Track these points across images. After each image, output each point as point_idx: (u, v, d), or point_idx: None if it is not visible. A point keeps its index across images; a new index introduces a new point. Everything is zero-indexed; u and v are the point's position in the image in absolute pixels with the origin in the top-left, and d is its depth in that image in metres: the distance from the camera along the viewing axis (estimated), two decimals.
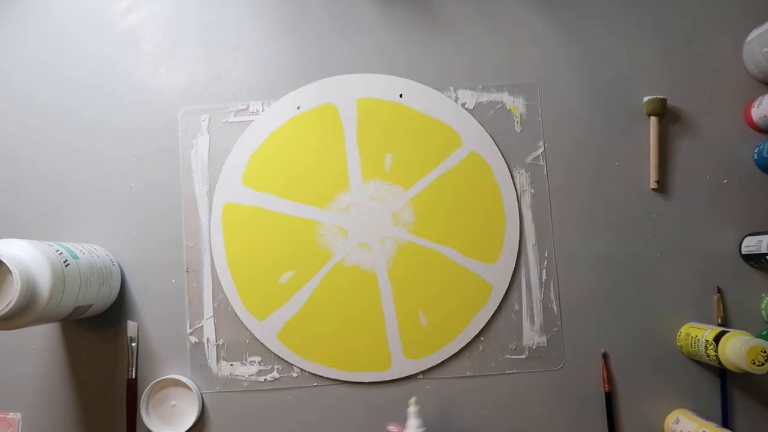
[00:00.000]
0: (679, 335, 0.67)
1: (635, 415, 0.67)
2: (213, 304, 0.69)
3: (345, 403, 0.68)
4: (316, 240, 0.69)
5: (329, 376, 0.68)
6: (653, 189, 0.69)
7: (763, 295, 0.68)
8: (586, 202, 0.70)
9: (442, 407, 0.68)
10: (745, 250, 0.67)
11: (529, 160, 0.70)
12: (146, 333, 0.69)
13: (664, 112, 0.70)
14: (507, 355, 0.68)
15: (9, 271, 0.54)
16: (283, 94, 0.72)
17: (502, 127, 0.71)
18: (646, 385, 0.68)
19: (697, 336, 0.63)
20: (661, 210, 0.69)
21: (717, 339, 0.60)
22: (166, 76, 0.73)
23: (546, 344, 0.68)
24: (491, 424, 0.68)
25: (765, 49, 0.66)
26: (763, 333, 0.66)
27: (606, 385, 0.67)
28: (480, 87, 0.71)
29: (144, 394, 0.67)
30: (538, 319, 0.69)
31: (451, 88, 0.71)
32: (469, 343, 0.68)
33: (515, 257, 0.69)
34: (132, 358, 0.68)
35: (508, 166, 0.70)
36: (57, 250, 0.59)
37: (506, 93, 0.71)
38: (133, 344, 0.68)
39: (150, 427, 0.66)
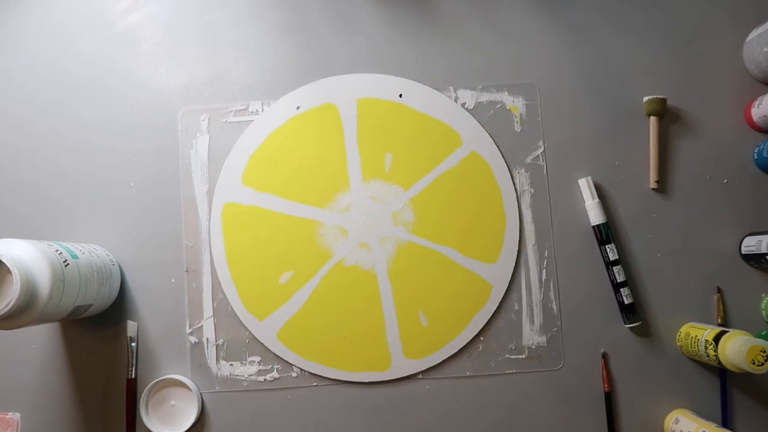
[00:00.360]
0: (679, 335, 0.67)
1: (635, 415, 0.67)
2: (213, 303, 0.69)
3: (345, 403, 0.68)
4: (316, 240, 0.69)
5: (329, 376, 0.68)
6: (653, 189, 0.69)
7: (763, 295, 0.68)
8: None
9: (442, 407, 0.68)
10: (745, 250, 0.67)
11: (529, 160, 0.70)
12: (146, 333, 0.69)
13: (664, 112, 0.70)
14: (507, 355, 0.68)
15: (9, 271, 0.54)
16: (282, 94, 0.72)
17: (502, 127, 0.71)
18: (646, 385, 0.68)
19: (696, 336, 0.63)
20: (661, 210, 0.69)
21: (717, 339, 0.60)
22: (166, 76, 0.73)
23: (546, 344, 0.68)
24: (491, 423, 0.68)
25: (765, 49, 0.66)
26: (763, 333, 0.66)
27: (606, 385, 0.67)
28: (480, 87, 0.71)
29: (143, 394, 0.67)
30: (537, 319, 0.69)
31: (451, 88, 0.71)
32: (468, 343, 0.68)
33: (515, 257, 0.69)
34: (132, 358, 0.68)
35: (507, 166, 0.70)
36: (57, 250, 0.59)
37: (506, 93, 0.71)
38: (133, 344, 0.68)
39: (150, 427, 0.66)
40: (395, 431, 0.68)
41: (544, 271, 0.69)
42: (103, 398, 0.68)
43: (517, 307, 0.69)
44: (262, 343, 0.69)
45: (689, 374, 0.67)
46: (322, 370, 0.68)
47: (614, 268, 0.67)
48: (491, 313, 0.68)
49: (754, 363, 0.56)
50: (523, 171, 0.70)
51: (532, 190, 0.70)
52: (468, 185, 0.70)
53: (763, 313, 0.67)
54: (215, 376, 0.69)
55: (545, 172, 0.70)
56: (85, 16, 0.73)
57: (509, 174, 0.70)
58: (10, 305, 0.53)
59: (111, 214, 0.71)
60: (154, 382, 0.67)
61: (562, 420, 0.67)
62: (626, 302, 0.67)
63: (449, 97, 0.71)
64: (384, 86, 0.71)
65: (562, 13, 0.72)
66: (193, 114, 0.72)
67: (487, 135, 0.70)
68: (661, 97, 0.69)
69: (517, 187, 0.70)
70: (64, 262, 0.59)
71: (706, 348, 0.61)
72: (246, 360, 0.69)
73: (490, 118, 0.71)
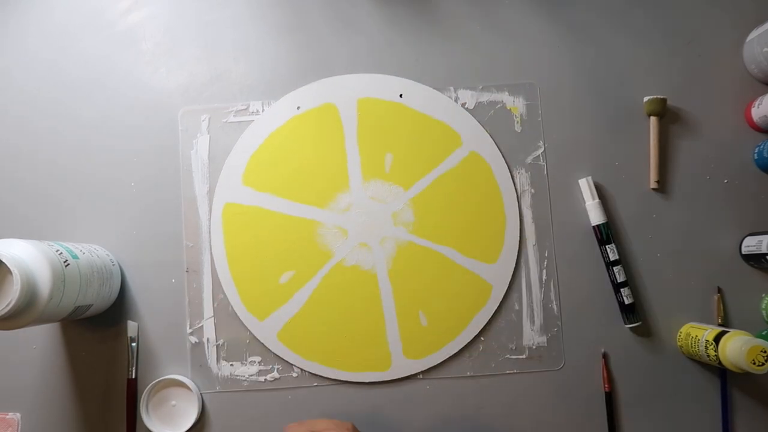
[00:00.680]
0: (679, 335, 0.67)
1: (635, 415, 0.67)
2: (213, 304, 0.69)
3: (345, 403, 0.68)
4: (316, 240, 0.69)
5: (329, 376, 0.68)
6: (653, 189, 0.69)
7: (763, 295, 0.68)
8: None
9: (442, 407, 0.68)
10: (745, 250, 0.67)
11: (529, 160, 0.70)
12: (146, 333, 0.69)
13: (664, 112, 0.70)
14: (507, 355, 0.68)
15: (9, 271, 0.54)
16: (283, 94, 0.72)
17: (502, 127, 0.71)
18: (646, 385, 0.68)
19: (697, 336, 0.63)
20: (661, 210, 0.69)
21: (717, 339, 0.60)
22: (166, 76, 0.73)
23: (546, 344, 0.68)
24: (491, 423, 0.68)
25: (765, 49, 0.66)
26: (764, 333, 0.66)
27: (606, 385, 0.67)
28: (480, 87, 0.71)
29: (144, 394, 0.67)
30: (538, 319, 0.69)
31: (451, 88, 0.71)
32: (469, 343, 0.68)
33: (515, 257, 0.69)
34: (132, 358, 0.68)
35: (508, 166, 0.70)
36: (57, 250, 0.59)
37: (506, 93, 0.71)
38: (134, 344, 0.68)
39: (150, 427, 0.66)
40: (395, 431, 0.68)
41: (544, 271, 0.69)
42: (103, 398, 0.68)
43: (517, 307, 0.69)
44: (263, 343, 0.69)
45: (689, 374, 0.67)
46: (322, 370, 0.68)
47: (614, 268, 0.67)
48: (492, 313, 0.68)
49: (754, 363, 0.56)
50: (523, 171, 0.70)
51: (533, 190, 0.70)
52: (468, 185, 0.70)
53: (764, 313, 0.67)
54: (216, 376, 0.69)
55: (545, 172, 0.70)
56: (85, 16, 0.73)
57: (509, 174, 0.70)
58: (11, 305, 0.53)
59: (111, 214, 0.71)
60: (154, 382, 0.67)
61: (563, 420, 0.67)
62: (626, 302, 0.67)
63: (449, 97, 0.71)
64: (384, 86, 0.71)
65: (562, 13, 0.72)
66: (193, 114, 0.72)
67: (488, 135, 0.70)
68: (662, 97, 0.69)
69: (518, 187, 0.70)
70: (64, 262, 0.59)
71: (706, 348, 0.61)
72: (246, 360, 0.69)
73: (490, 118, 0.71)
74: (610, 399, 0.67)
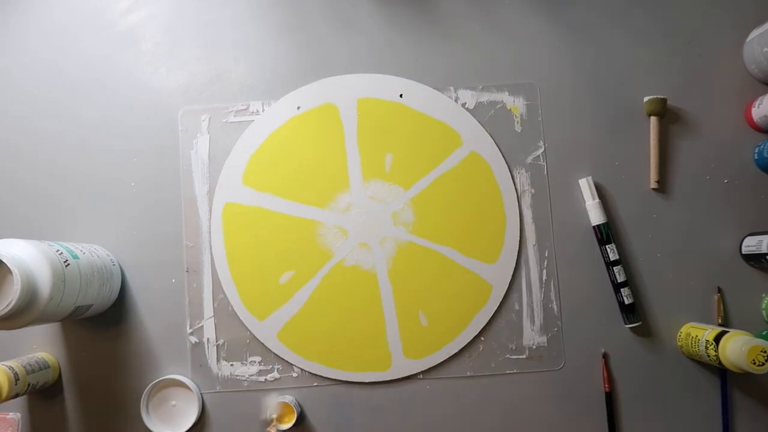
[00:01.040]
0: (680, 335, 0.67)
1: (635, 415, 0.67)
2: (213, 304, 0.69)
3: (345, 403, 0.68)
4: (316, 240, 0.69)
5: (329, 376, 0.68)
6: (653, 189, 0.69)
7: (763, 295, 0.68)
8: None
9: (442, 407, 0.68)
10: (745, 250, 0.67)
11: (529, 160, 0.70)
12: (146, 333, 0.69)
13: (664, 112, 0.70)
14: (507, 355, 0.68)
15: (9, 271, 0.54)
16: (283, 94, 0.72)
17: (503, 127, 0.71)
18: (646, 385, 0.68)
19: (697, 336, 0.63)
20: (661, 210, 0.69)
21: (717, 339, 0.60)
22: (166, 76, 0.73)
23: (546, 344, 0.68)
24: (491, 423, 0.68)
25: (765, 49, 0.66)
26: (764, 333, 0.66)
27: (606, 385, 0.67)
28: (480, 87, 0.71)
29: (144, 393, 0.67)
30: (538, 319, 0.69)
31: (451, 88, 0.71)
32: (469, 343, 0.68)
33: (515, 257, 0.69)
34: None
35: (508, 166, 0.70)
36: (57, 250, 0.59)
37: (506, 93, 0.71)
38: None
39: (150, 427, 0.66)
40: (395, 431, 0.68)
41: (544, 271, 0.69)
42: (104, 398, 0.68)
43: (517, 307, 0.69)
44: (263, 343, 0.69)
45: (689, 374, 0.67)
46: (322, 370, 0.68)
47: (614, 268, 0.67)
48: (492, 313, 0.68)
49: (754, 363, 0.56)
50: (523, 171, 0.70)
51: (533, 190, 0.70)
52: (468, 185, 0.70)
53: (764, 313, 0.67)
54: (216, 376, 0.69)
55: (546, 172, 0.70)
56: (85, 16, 0.73)
57: (509, 174, 0.70)
58: (11, 305, 0.53)
59: (111, 214, 0.71)
60: (154, 382, 0.67)
61: (563, 420, 0.67)
62: (626, 302, 0.67)
63: (450, 97, 0.71)
64: (384, 86, 0.71)
65: (562, 13, 0.72)
66: (193, 114, 0.72)
67: (488, 135, 0.70)
68: (662, 97, 0.69)
69: (518, 187, 0.70)
70: (64, 262, 0.59)
71: (706, 348, 0.61)
72: (246, 360, 0.69)
73: (490, 118, 0.71)
74: (610, 399, 0.67)
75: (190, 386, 0.67)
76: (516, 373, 0.68)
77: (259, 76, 0.72)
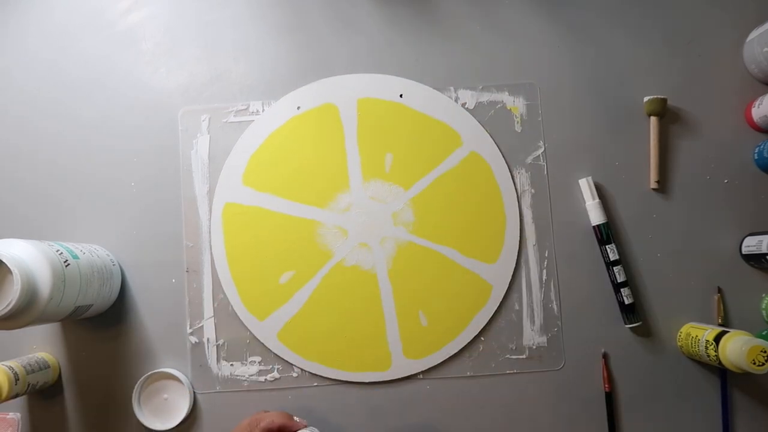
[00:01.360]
0: (680, 335, 0.67)
1: (635, 415, 0.67)
2: (213, 304, 0.69)
3: (345, 403, 0.68)
4: (316, 240, 0.69)
5: (329, 376, 0.68)
6: (653, 189, 0.69)
7: (763, 295, 0.68)
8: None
9: (442, 407, 0.68)
10: (745, 250, 0.67)
11: (529, 160, 0.70)
12: (146, 333, 0.69)
13: (664, 112, 0.70)
14: (507, 355, 0.68)
15: (9, 271, 0.54)
16: (283, 94, 0.72)
17: (503, 127, 0.71)
18: (646, 385, 0.68)
19: (697, 336, 0.63)
20: (661, 210, 0.69)
21: (717, 339, 0.60)
22: (166, 76, 0.73)
23: (546, 344, 0.68)
24: (491, 423, 0.68)
25: (765, 49, 0.66)
26: (764, 333, 0.66)
27: (606, 385, 0.67)
28: (480, 87, 0.71)
29: (136, 386, 0.67)
30: (538, 319, 0.69)
31: (451, 88, 0.71)
32: (469, 343, 0.68)
33: (515, 257, 0.69)
34: None
35: (508, 165, 0.70)
36: (57, 250, 0.59)
37: (506, 93, 0.71)
38: None
39: (141, 420, 0.66)
40: (395, 431, 0.68)
41: (544, 271, 0.69)
42: (104, 398, 0.68)
43: (517, 307, 0.69)
44: (263, 343, 0.69)
45: (689, 374, 0.67)
46: (322, 370, 0.68)
47: (614, 268, 0.67)
48: (491, 314, 0.68)
49: (754, 363, 0.56)
50: (523, 171, 0.70)
51: (533, 190, 0.70)
52: (468, 185, 0.70)
53: (764, 313, 0.67)
54: (216, 376, 0.69)
55: (546, 172, 0.70)
56: (85, 16, 0.73)
57: (509, 174, 0.70)
58: (11, 305, 0.53)
59: (111, 214, 0.71)
60: (147, 374, 0.67)
61: (563, 420, 0.67)
62: (626, 302, 0.67)
63: (450, 97, 0.71)
64: (384, 86, 0.71)
65: (562, 13, 0.72)
66: (193, 114, 0.72)
67: (488, 135, 0.70)
68: (662, 97, 0.69)
69: (518, 187, 0.70)
70: (64, 262, 0.59)
71: (706, 348, 0.61)
72: (246, 360, 0.69)
73: (490, 118, 0.71)
74: (610, 399, 0.67)
75: (182, 380, 0.67)
76: (516, 373, 0.68)
77: (259, 76, 0.72)
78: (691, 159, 0.70)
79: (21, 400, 0.69)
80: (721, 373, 0.67)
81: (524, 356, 0.68)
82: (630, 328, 0.68)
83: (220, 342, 0.69)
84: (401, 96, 0.71)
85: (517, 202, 0.70)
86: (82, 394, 0.69)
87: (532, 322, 0.69)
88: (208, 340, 0.69)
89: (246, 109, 0.72)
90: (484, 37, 0.72)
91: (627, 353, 0.68)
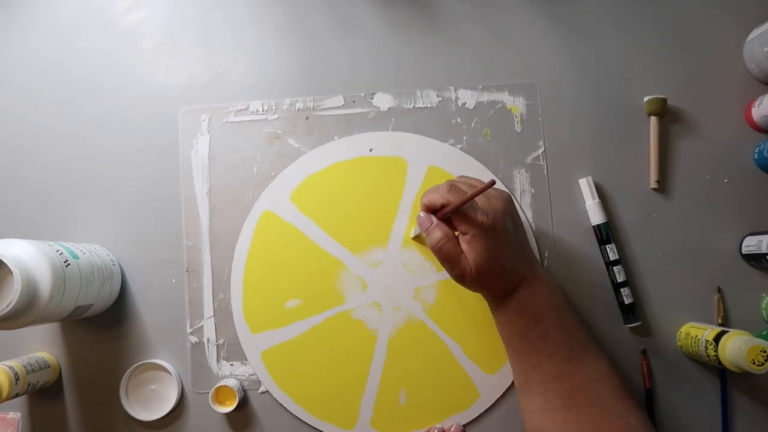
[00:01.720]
0: (679, 335, 0.67)
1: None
2: (213, 303, 0.70)
3: None
4: (335, 281, 0.69)
5: (294, 413, 0.68)
6: (653, 189, 0.69)
7: (763, 295, 0.68)
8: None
9: None
10: (745, 250, 0.67)
11: (529, 160, 0.70)
12: (146, 332, 0.69)
13: (664, 112, 0.70)
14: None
15: (9, 271, 0.54)
16: (283, 94, 0.72)
17: (503, 127, 0.71)
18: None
19: (697, 336, 0.63)
20: (661, 210, 0.69)
21: (717, 339, 0.60)
22: (167, 76, 0.73)
23: None
24: (491, 424, 0.68)
25: (765, 49, 0.66)
26: (764, 333, 0.66)
27: (646, 383, 0.67)
28: (480, 87, 0.71)
29: (124, 377, 0.67)
30: None
31: (452, 88, 0.71)
32: None
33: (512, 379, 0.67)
34: None
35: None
36: (57, 250, 0.59)
37: (506, 93, 0.71)
38: None
39: (128, 410, 0.67)
40: None
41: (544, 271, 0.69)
42: (104, 398, 0.68)
43: None
44: (244, 353, 0.68)
45: (689, 374, 0.67)
46: (289, 405, 0.67)
47: (614, 268, 0.67)
48: (469, 420, 0.67)
49: (754, 363, 0.56)
50: (523, 171, 0.70)
51: (533, 190, 0.70)
52: None
53: (764, 313, 0.67)
54: (216, 375, 0.69)
55: (546, 172, 0.70)
56: (86, 15, 0.73)
57: None
58: (11, 305, 0.53)
59: (111, 214, 0.71)
60: (135, 365, 0.67)
61: None
62: (626, 302, 0.67)
63: (450, 97, 0.71)
64: (459, 160, 0.70)
65: (562, 14, 0.72)
66: (193, 114, 0.72)
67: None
68: (662, 97, 0.69)
69: (518, 187, 0.70)
70: (64, 262, 0.59)
71: (706, 348, 0.61)
72: (246, 360, 0.69)
73: (490, 118, 0.71)
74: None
75: (170, 371, 0.67)
76: None
77: (259, 76, 0.72)
78: (691, 159, 0.70)
79: (21, 400, 0.69)
80: (720, 373, 0.67)
81: None
82: (630, 328, 0.68)
83: (220, 342, 0.69)
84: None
85: (517, 203, 0.69)
86: (82, 393, 0.69)
87: None
88: (208, 339, 0.69)
89: (246, 109, 0.72)
90: (484, 37, 0.72)
91: (627, 353, 0.68)
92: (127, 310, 0.70)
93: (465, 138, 0.71)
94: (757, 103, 0.68)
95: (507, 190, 0.66)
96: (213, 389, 0.66)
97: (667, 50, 0.71)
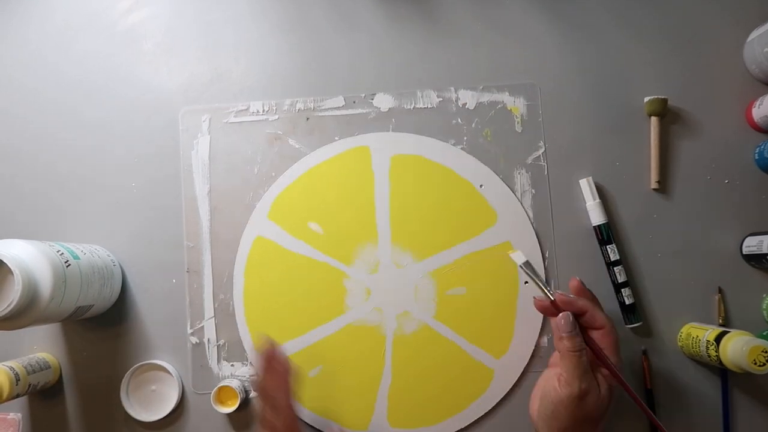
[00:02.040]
0: (680, 335, 0.67)
1: (635, 415, 0.67)
2: (214, 304, 0.69)
3: None
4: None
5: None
6: (654, 189, 0.69)
7: (764, 295, 0.68)
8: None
9: None
10: (746, 251, 0.67)
11: (530, 160, 0.70)
12: (147, 333, 0.69)
13: (665, 113, 0.70)
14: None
15: (10, 272, 0.54)
16: (283, 94, 0.72)
17: (503, 127, 0.71)
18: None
19: (698, 336, 0.63)
20: (661, 210, 0.69)
21: (718, 339, 0.60)
22: (167, 76, 0.73)
23: (546, 344, 0.68)
24: (491, 423, 0.68)
25: (766, 49, 0.66)
26: (765, 333, 0.66)
27: (647, 383, 0.67)
28: (481, 87, 0.71)
29: (125, 377, 0.67)
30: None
31: (452, 89, 0.71)
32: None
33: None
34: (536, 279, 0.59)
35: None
36: (58, 251, 0.59)
37: (507, 93, 0.71)
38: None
39: (129, 411, 0.67)
40: None
41: (544, 271, 0.69)
42: (104, 398, 0.68)
43: None
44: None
45: (690, 374, 0.67)
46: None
47: (615, 268, 0.67)
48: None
49: (755, 363, 0.56)
50: (524, 171, 0.70)
51: (533, 191, 0.70)
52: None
53: (765, 313, 0.67)
54: (216, 376, 0.69)
55: (546, 173, 0.70)
56: (86, 16, 0.73)
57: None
58: (12, 306, 0.53)
59: (112, 215, 0.71)
60: (135, 366, 0.67)
61: None
62: (627, 303, 0.67)
63: (450, 97, 0.71)
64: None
65: (563, 14, 0.72)
66: (194, 114, 0.72)
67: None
68: (662, 97, 0.69)
69: (518, 188, 0.70)
70: (65, 262, 0.59)
71: (707, 348, 0.61)
72: (247, 360, 0.69)
73: (491, 118, 0.71)
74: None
75: (171, 372, 0.67)
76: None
77: (259, 76, 0.72)
78: (691, 159, 0.70)
79: (22, 401, 0.69)
80: (721, 373, 0.67)
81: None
82: (630, 328, 0.68)
83: (221, 342, 0.69)
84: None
85: (519, 203, 0.69)
86: (82, 394, 0.69)
87: None
88: (208, 340, 0.69)
89: (247, 109, 0.72)
90: (484, 37, 0.72)
91: (627, 354, 0.68)
92: (128, 310, 0.70)
93: (465, 138, 0.71)
94: (757, 103, 0.68)
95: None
96: (215, 389, 0.66)
97: (668, 50, 0.71)
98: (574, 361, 0.54)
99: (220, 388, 0.66)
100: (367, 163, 0.70)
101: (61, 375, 0.69)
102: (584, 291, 0.60)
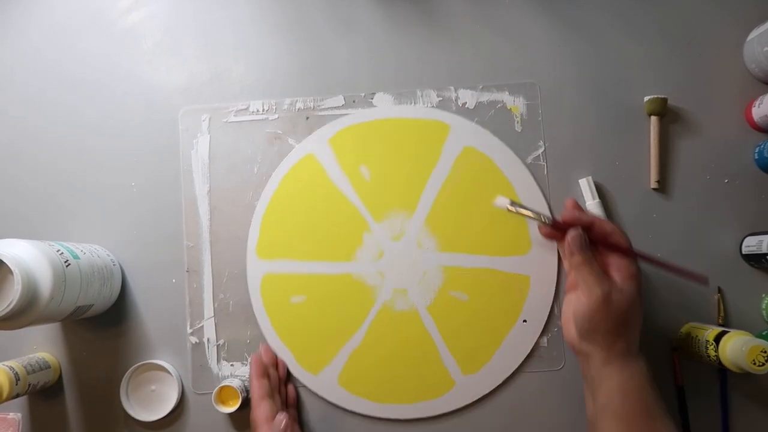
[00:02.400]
0: (680, 335, 0.67)
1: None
2: (213, 304, 0.69)
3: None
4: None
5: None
6: (654, 189, 0.69)
7: (763, 295, 0.68)
8: None
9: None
10: (745, 250, 0.67)
11: (529, 159, 0.70)
12: (147, 333, 0.69)
13: (664, 112, 0.70)
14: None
15: (10, 271, 0.54)
16: (283, 94, 0.72)
17: (503, 127, 0.71)
18: None
19: (697, 336, 0.63)
20: (661, 210, 0.69)
21: (717, 339, 0.60)
22: (167, 76, 0.73)
23: (546, 344, 0.68)
24: (491, 423, 0.68)
25: (765, 49, 0.66)
26: (764, 333, 0.66)
27: (678, 378, 0.67)
28: (480, 87, 0.71)
29: (124, 377, 0.67)
30: None
31: (452, 88, 0.71)
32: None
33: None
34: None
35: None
36: (58, 250, 0.59)
37: (507, 93, 0.71)
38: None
39: (128, 411, 0.67)
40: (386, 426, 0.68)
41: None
42: (104, 398, 0.68)
43: None
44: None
45: (689, 374, 0.67)
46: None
47: None
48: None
49: (754, 363, 0.57)
50: None
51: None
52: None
53: (764, 313, 0.67)
54: (216, 376, 0.69)
55: (546, 172, 0.70)
56: (85, 15, 0.73)
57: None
58: (12, 305, 0.53)
59: (112, 214, 0.71)
60: (135, 366, 0.67)
61: (563, 420, 0.67)
62: None
63: (450, 97, 0.71)
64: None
65: (563, 13, 0.72)
66: (193, 113, 0.72)
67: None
68: (662, 96, 0.69)
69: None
70: (65, 262, 0.59)
71: (706, 348, 0.61)
72: (247, 360, 0.69)
73: (490, 117, 0.71)
74: None
75: (171, 372, 0.67)
76: (516, 372, 0.68)
77: (259, 75, 0.72)
78: (691, 159, 0.70)
79: (22, 400, 0.69)
80: (721, 373, 0.67)
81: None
82: None
83: (221, 342, 0.69)
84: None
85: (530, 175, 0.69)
86: (82, 394, 0.69)
87: None
88: (208, 340, 0.69)
89: (246, 108, 0.72)
90: (484, 36, 0.72)
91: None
92: (128, 310, 0.70)
93: None
94: (757, 103, 0.68)
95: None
96: (216, 389, 0.66)
97: (668, 50, 0.71)
98: (589, 269, 0.57)
99: (222, 388, 0.66)
100: (441, 140, 0.70)
101: (60, 375, 0.69)
102: (580, 207, 0.61)
